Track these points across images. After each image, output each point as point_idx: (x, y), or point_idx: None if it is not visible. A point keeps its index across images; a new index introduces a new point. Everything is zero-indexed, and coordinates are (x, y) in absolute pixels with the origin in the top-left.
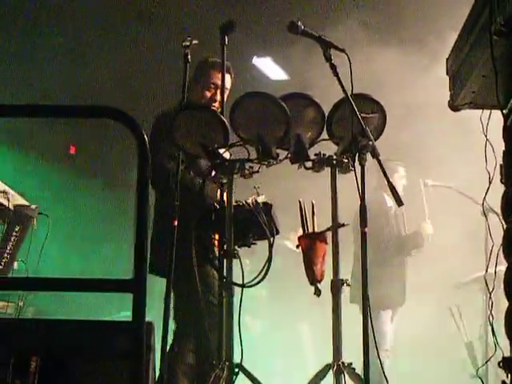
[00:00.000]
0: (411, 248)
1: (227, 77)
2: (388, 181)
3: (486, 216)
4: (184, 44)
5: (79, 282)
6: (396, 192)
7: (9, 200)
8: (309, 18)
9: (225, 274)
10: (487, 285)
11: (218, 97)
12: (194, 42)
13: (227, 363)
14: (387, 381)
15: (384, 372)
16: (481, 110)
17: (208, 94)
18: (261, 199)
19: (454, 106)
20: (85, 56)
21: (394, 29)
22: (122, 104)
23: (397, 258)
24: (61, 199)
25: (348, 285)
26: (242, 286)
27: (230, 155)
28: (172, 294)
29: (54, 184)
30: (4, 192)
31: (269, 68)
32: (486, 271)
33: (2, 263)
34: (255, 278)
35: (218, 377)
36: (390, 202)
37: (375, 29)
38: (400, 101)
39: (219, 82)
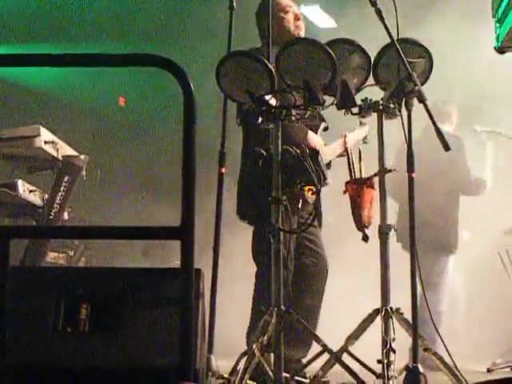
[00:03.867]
0: (471, 192)
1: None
2: (435, 125)
3: None
4: None
5: (127, 230)
6: (443, 136)
7: (58, 150)
8: None
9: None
10: None
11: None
12: None
13: (275, 309)
14: (437, 330)
15: (433, 321)
16: None
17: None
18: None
19: (500, 49)
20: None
21: None
22: (170, 55)
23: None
24: (109, 149)
25: (395, 230)
26: (290, 231)
27: (277, 102)
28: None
29: (102, 134)
30: (53, 142)
31: (317, 16)
32: None
33: (52, 213)
34: (303, 224)
35: (267, 322)
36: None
37: None
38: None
39: None
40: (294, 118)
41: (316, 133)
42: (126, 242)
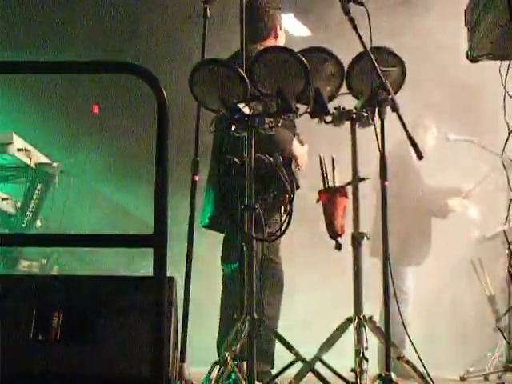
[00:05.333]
0: (433, 214)
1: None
2: (408, 134)
3: (505, 168)
4: None
5: (99, 238)
6: (416, 145)
7: (30, 158)
8: None
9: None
10: (506, 236)
11: None
12: None
13: (248, 317)
14: (409, 336)
15: (405, 326)
16: (500, 62)
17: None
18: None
19: (473, 57)
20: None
21: None
22: (142, 62)
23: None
24: (83, 157)
25: (368, 238)
26: (263, 239)
27: (250, 110)
28: None
29: (76, 142)
30: (25, 150)
31: (291, 24)
32: (506, 222)
33: (25, 221)
34: (276, 231)
35: (239, 331)
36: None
37: None
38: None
39: None
40: (267, 127)
41: None
42: (100, 249)
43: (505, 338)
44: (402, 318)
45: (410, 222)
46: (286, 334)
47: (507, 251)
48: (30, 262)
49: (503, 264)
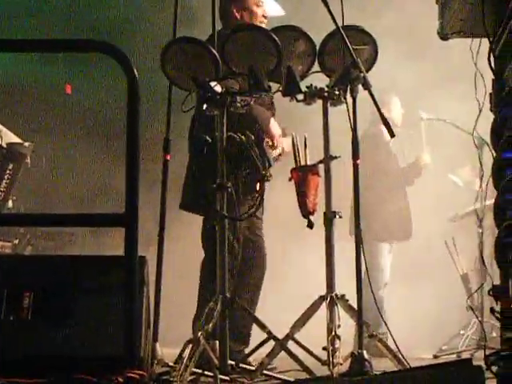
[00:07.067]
0: (411, 178)
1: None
2: (380, 113)
3: (476, 146)
4: None
5: (70, 218)
6: (388, 124)
7: (2, 138)
8: None
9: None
10: (477, 215)
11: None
12: None
13: (221, 297)
14: (381, 315)
15: (377, 305)
16: (470, 39)
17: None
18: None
19: (443, 35)
20: None
21: None
22: (113, 39)
23: (400, 191)
24: (54, 137)
25: (340, 217)
26: (235, 218)
27: (222, 88)
28: None
29: (47, 122)
30: None
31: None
32: (476, 200)
33: None
34: (248, 210)
35: (212, 310)
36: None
37: None
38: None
39: None
40: (239, 105)
41: None
42: (74, 229)
43: (476, 317)
44: (374, 298)
45: (386, 199)
46: (260, 314)
47: (479, 230)
48: (2, 243)
49: (475, 243)
